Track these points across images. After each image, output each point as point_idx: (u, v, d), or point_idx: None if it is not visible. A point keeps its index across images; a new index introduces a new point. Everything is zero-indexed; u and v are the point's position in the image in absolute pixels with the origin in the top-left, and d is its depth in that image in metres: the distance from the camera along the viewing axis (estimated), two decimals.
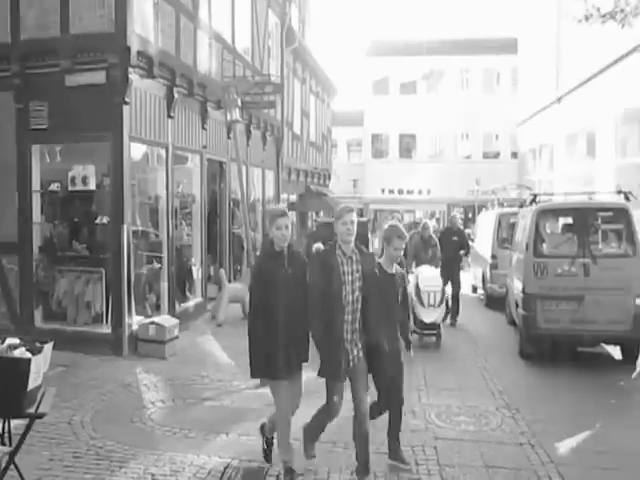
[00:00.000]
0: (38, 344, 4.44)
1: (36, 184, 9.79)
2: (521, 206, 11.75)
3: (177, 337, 9.58)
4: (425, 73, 38.92)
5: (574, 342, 9.51)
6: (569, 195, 11.33)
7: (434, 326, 10.31)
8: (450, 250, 12.25)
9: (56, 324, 9.67)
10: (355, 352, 5.05)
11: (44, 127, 9.40)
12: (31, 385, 4.17)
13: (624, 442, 6.19)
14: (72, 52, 9.14)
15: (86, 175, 9.61)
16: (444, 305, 10.68)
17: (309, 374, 5.14)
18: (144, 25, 9.64)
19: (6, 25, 9.41)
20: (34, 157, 9.72)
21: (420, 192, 37.66)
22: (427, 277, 10.59)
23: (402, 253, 5.61)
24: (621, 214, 9.51)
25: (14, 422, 4.58)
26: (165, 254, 10.82)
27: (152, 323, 9.35)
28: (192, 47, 11.71)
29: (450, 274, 12.12)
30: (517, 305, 9.95)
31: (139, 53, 9.37)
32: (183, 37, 11.21)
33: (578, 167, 18.04)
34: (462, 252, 12.64)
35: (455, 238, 12.57)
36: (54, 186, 10.08)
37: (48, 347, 4.48)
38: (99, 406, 6.99)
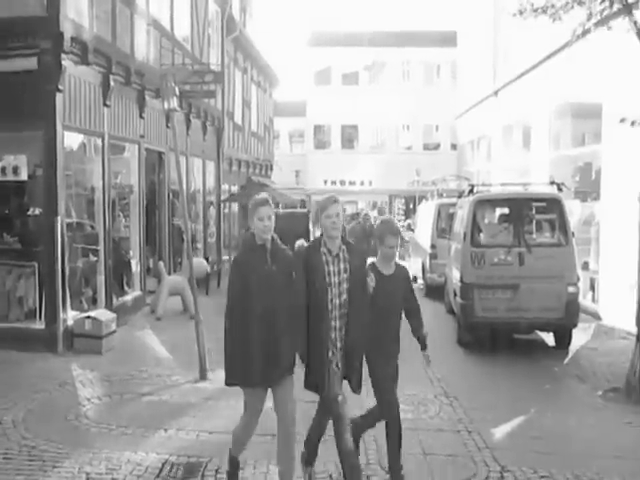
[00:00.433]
0: None
1: None
2: (459, 197, 11.95)
3: (114, 332, 9.38)
4: (367, 64, 39.09)
5: (510, 329, 9.77)
6: (505, 186, 11.59)
7: None
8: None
9: None
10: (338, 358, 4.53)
11: None
12: None
13: (557, 427, 6.40)
14: (1, 36, 8.76)
15: (17, 165, 9.27)
16: None
17: None
18: (78, 10, 9.36)
19: None
20: None
21: (362, 183, 37.90)
22: None
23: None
24: (554, 204, 9.79)
25: None
26: (102, 247, 10.57)
27: (88, 317, 9.12)
28: (129, 34, 11.43)
29: None
30: (455, 294, 10.14)
31: (73, 39, 9.07)
32: (119, 23, 10.92)
33: (514, 159, 18.48)
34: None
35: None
36: None
37: None
38: (32, 405, 6.77)
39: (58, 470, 5.13)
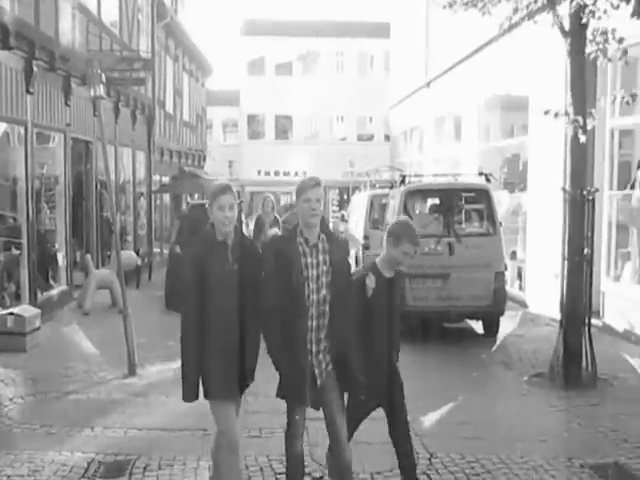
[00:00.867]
0: None
1: None
2: (391, 187, 12.06)
3: (39, 328, 9.04)
4: (301, 54, 38.98)
5: (441, 318, 9.93)
6: (436, 176, 11.76)
7: None
8: None
9: None
10: (323, 366, 4.04)
11: None
12: None
13: (483, 413, 6.56)
14: None
15: None
16: None
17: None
18: None
19: None
20: None
21: (296, 174, 37.74)
22: None
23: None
24: (483, 195, 10.00)
25: None
26: (25, 239, 10.18)
27: (10, 314, 8.77)
28: (54, 18, 11.02)
29: None
30: None
31: None
32: (43, 6, 10.50)
33: (445, 150, 18.78)
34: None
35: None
36: None
37: None
38: None
39: None
